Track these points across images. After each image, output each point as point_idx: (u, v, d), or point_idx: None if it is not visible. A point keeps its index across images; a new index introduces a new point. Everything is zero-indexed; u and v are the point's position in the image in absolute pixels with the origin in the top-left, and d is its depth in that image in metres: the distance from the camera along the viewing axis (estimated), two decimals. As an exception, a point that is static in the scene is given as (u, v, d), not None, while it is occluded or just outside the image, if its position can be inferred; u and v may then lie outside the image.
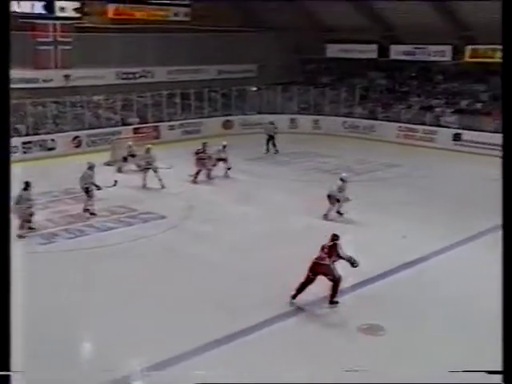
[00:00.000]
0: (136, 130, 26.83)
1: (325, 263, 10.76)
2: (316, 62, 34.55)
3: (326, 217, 16.18)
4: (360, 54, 32.08)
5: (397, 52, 31.14)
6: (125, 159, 21.97)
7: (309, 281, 10.89)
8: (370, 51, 31.90)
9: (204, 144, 20.89)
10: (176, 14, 29.70)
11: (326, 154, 25.17)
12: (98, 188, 16.56)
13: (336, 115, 30.96)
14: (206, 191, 19.55)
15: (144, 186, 19.48)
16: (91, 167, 16.65)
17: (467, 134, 26.81)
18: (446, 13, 27.92)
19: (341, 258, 10.95)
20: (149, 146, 20.44)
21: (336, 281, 10.87)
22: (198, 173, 20.42)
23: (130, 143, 22.45)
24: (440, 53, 29.77)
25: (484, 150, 25.43)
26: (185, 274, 12.35)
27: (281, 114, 30.44)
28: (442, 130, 27.75)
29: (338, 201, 16.25)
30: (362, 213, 16.38)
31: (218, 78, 31.58)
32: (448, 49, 29.51)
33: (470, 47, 28.69)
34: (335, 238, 11.12)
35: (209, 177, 20.72)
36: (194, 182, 20.33)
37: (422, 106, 29.82)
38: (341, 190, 16.17)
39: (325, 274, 10.82)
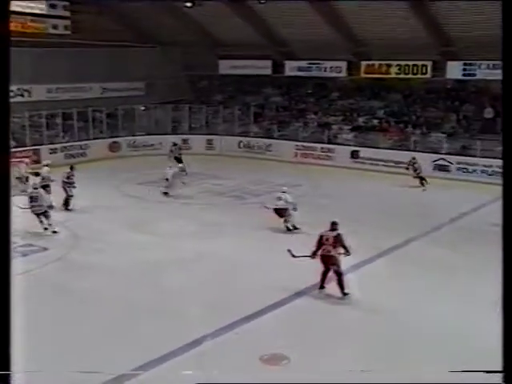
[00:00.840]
0: (12, 154, 24.26)
1: (331, 254, 11.43)
2: (208, 79, 33.35)
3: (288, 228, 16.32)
4: (254, 70, 30.94)
5: (292, 68, 30.40)
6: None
7: (325, 271, 11.58)
8: (264, 67, 30.91)
9: (71, 168, 19.12)
10: (55, 27, 27.29)
11: (221, 175, 23.95)
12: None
13: (231, 134, 29.79)
14: (94, 218, 17.71)
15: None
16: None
17: (364, 151, 26.47)
18: (340, 28, 27.41)
19: (345, 248, 11.47)
20: (48, 162, 20.11)
21: (340, 272, 11.46)
22: (67, 199, 18.42)
23: (25, 166, 20.81)
24: (336, 69, 29.25)
25: (381, 166, 25.51)
26: (74, 309, 11.06)
27: (172, 134, 28.96)
28: (339, 148, 27.20)
29: (295, 209, 16.45)
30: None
31: (103, 97, 29.39)
32: (343, 65, 29.12)
33: (364, 63, 28.47)
34: (335, 225, 11.59)
35: (67, 204, 18.44)
36: (67, 209, 18.31)
37: (319, 124, 29.20)
38: (287, 200, 16.38)
39: (332, 265, 11.45)
